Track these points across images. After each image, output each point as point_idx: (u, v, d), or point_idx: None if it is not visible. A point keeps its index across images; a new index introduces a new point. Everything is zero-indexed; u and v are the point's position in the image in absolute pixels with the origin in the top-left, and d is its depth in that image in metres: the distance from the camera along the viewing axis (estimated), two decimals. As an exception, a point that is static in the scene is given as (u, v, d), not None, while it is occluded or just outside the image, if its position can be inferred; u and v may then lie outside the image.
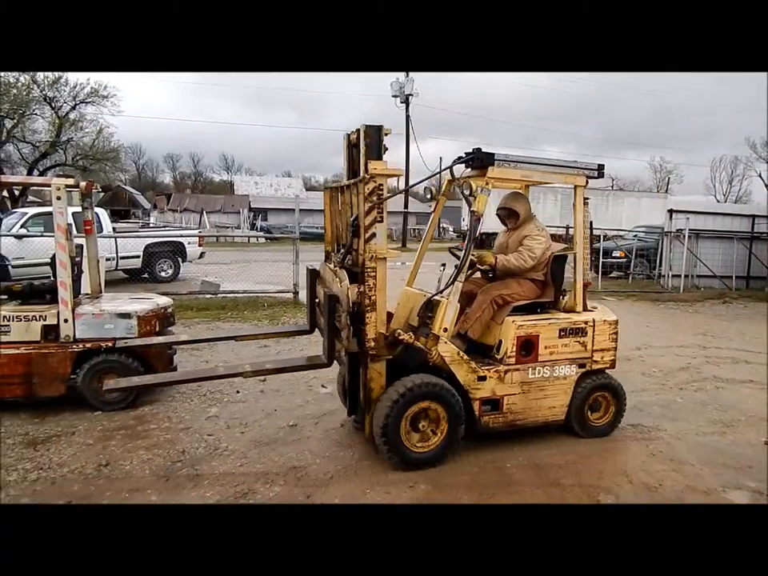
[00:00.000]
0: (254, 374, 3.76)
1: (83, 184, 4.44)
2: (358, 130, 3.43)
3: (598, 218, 25.35)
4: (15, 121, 23.29)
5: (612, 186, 51.08)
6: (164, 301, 4.94)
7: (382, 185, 3.29)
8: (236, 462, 3.60)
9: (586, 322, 3.93)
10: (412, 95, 23.28)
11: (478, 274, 4.31)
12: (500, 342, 3.79)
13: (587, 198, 4.04)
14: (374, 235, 3.29)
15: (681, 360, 6.48)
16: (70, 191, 4.57)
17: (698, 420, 4.60)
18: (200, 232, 16.15)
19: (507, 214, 4.20)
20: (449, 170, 3.72)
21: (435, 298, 3.66)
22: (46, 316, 4.28)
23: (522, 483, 3.41)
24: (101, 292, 5.05)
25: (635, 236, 13.86)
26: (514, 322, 3.75)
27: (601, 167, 4.00)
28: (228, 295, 9.39)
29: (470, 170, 3.81)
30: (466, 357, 3.60)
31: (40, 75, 22.61)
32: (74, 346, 4.30)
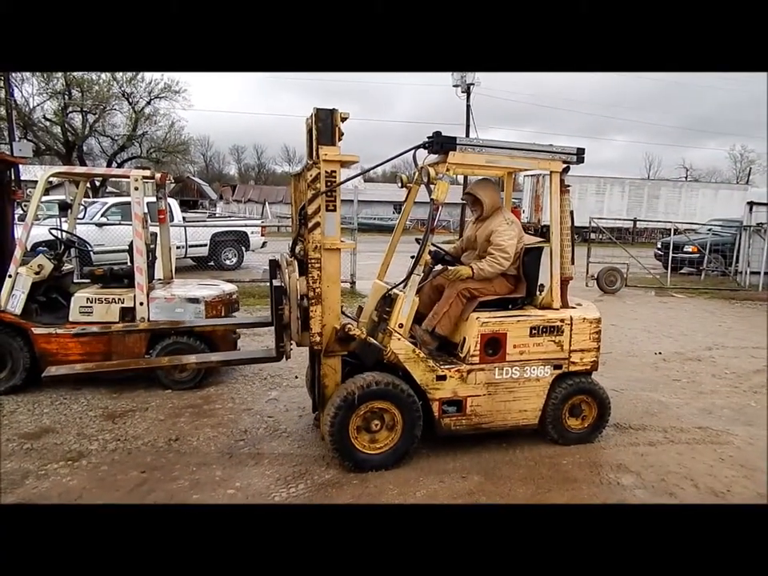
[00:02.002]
0: (198, 365, 3.67)
1: (158, 175, 4.71)
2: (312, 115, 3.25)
3: (669, 210, 24.20)
4: (97, 116, 24.92)
5: (686, 177, 48.33)
6: (229, 287, 5.17)
7: (334, 171, 3.11)
8: (294, 444, 3.75)
9: (561, 320, 3.64)
10: (473, 84, 22.92)
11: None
12: (464, 339, 3.56)
13: (568, 186, 3.72)
14: (317, 224, 3.12)
15: (756, 362, 6.08)
16: (146, 182, 4.86)
17: (774, 426, 4.32)
18: (262, 222, 16.67)
19: (472, 201, 3.91)
20: (412, 155, 3.41)
21: (393, 291, 3.49)
22: (123, 299, 4.59)
23: (579, 480, 3.35)
24: (172, 278, 5.35)
25: (710, 230, 13.05)
26: (477, 318, 3.51)
27: (580, 151, 3.63)
28: (288, 284, 9.67)
29: (436, 156, 3.52)
30: (422, 354, 3.41)
31: (119, 72, 24.00)
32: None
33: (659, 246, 14.50)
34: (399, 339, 3.38)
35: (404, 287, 3.44)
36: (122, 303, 4.59)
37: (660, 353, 6.38)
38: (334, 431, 3.25)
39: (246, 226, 12.47)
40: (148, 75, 25.07)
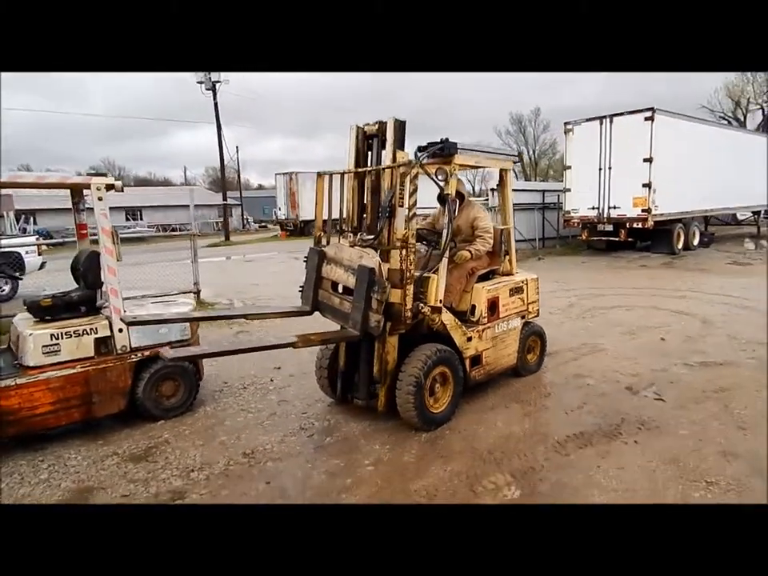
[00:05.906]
0: (305, 344, 3.79)
1: (118, 183, 4.06)
2: (378, 122, 3.88)
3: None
4: None
5: (389, 172, 56.31)
6: (193, 302, 4.80)
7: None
8: (365, 423, 4.01)
9: (523, 282, 4.86)
10: (219, 83, 22.56)
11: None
12: (473, 306, 4.43)
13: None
14: (414, 215, 3.61)
15: (563, 300, 8.52)
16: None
17: (613, 334, 6.41)
18: (37, 239, 13.53)
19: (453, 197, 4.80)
20: (414, 154, 3.82)
21: (425, 274, 4.08)
22: (97, 328, 3.91)
23: (569, 389, 4.65)
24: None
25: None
26: (483, 287, 4.43)
27: (520, 154, 5.10)
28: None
29: (428, 157, 3.95)
30: (459, 322, 4.16)
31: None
32: (132, 356, 4.03)
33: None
34: (446, 312, 4.05)
35: (435, 271, 4.09)
36: (96, 333, 3.90)
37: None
38: (416, 405, 3.74)
39: (19, 245, 10.11)
40: None
